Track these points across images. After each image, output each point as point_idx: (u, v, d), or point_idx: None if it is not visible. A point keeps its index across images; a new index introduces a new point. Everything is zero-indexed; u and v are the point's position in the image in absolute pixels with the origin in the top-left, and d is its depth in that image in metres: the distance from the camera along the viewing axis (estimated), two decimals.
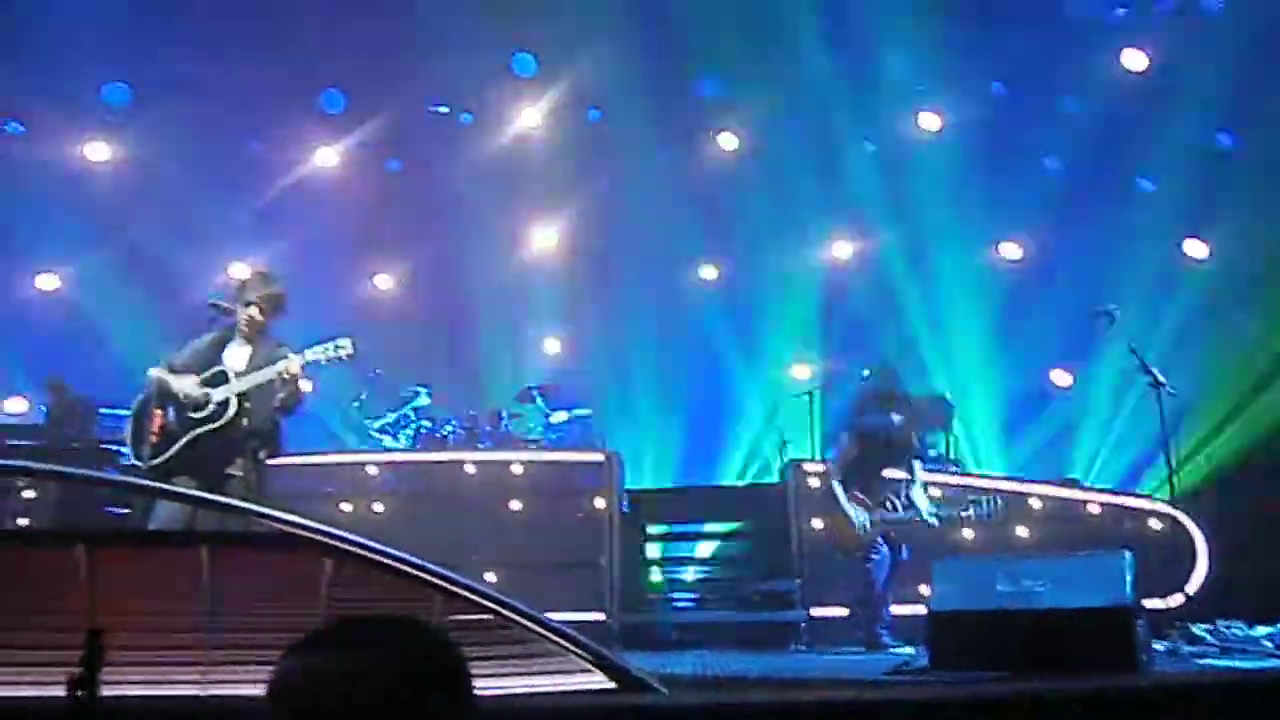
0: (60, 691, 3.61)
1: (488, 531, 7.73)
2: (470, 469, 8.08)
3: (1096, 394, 9.69)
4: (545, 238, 11.15)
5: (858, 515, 6.96)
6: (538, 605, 3.95)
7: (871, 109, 10.54)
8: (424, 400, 8.96)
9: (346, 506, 7.77)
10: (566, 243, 11.14)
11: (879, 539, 6.95)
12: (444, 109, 10.84)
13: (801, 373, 10.64)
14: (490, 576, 7.27)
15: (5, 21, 9.20)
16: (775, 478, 8.97)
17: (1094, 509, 7.91)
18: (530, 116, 10.87)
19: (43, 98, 9.81)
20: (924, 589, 6.77)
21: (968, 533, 7.87)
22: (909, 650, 6.60)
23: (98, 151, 10.26)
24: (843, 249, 11.13)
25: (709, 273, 11.24)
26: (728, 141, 10.94)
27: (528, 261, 11.09)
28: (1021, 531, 7.83)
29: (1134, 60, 9.74)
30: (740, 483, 10.10)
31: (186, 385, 5.21)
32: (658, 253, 10.82)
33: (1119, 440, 9.40)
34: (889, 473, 7.19)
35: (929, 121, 10.54)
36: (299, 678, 1.49)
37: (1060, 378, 10.40)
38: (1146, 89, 9.63)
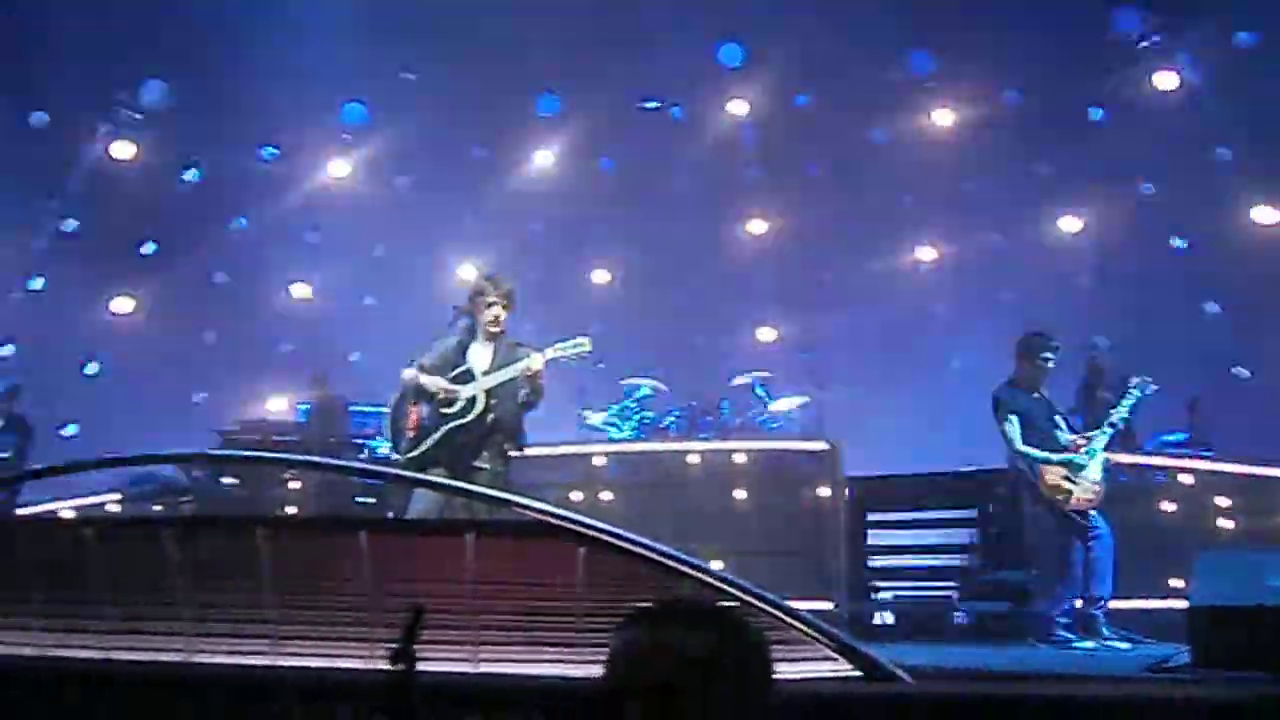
0: (346, 663, 3.96)
1: (712, 520, 7.83)
2: (693, 458, 8.20)
3: None
4: (760, 225, 11.17)
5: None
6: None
7: (1101, 72, 9.95)
8: (646, 391, 9.16)
9: (576, 495, 8.05)
10: (781, 229, 11.12)
11: (1095, 515, 6.58)
12: (654, 105, 11.03)
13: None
14: (715, 565, 7.37)
15: (258, 56, 10.03)
16: (1005, 464, 8.65)
17: None
18: (739, 105, 10.91)
19: (293, 123, 10.66)
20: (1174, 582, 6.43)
21: (1225, 522, 7.38)
22: (1089, 645, 6.28)
23: (338, 168, 11.05)
24: (1069, 223, 10.60)
25: (927, 254, 10.96)
26: (943, 117, 10.60)
27: (743, 250, 11.15)
28: None
29: None
30: (967, 468, 9.77)
31: (437, 384, 5.56)
32: (874, 234, 10.66)
33: None
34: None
35: (1165, 80, 9.85)
36: (636, 651, 1.60)
37: None
38: None
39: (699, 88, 11.00)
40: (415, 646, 2.07)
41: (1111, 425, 6.80)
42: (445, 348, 5.76)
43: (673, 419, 9.01)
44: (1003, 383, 7.00)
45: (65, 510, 7.85)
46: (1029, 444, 6.77)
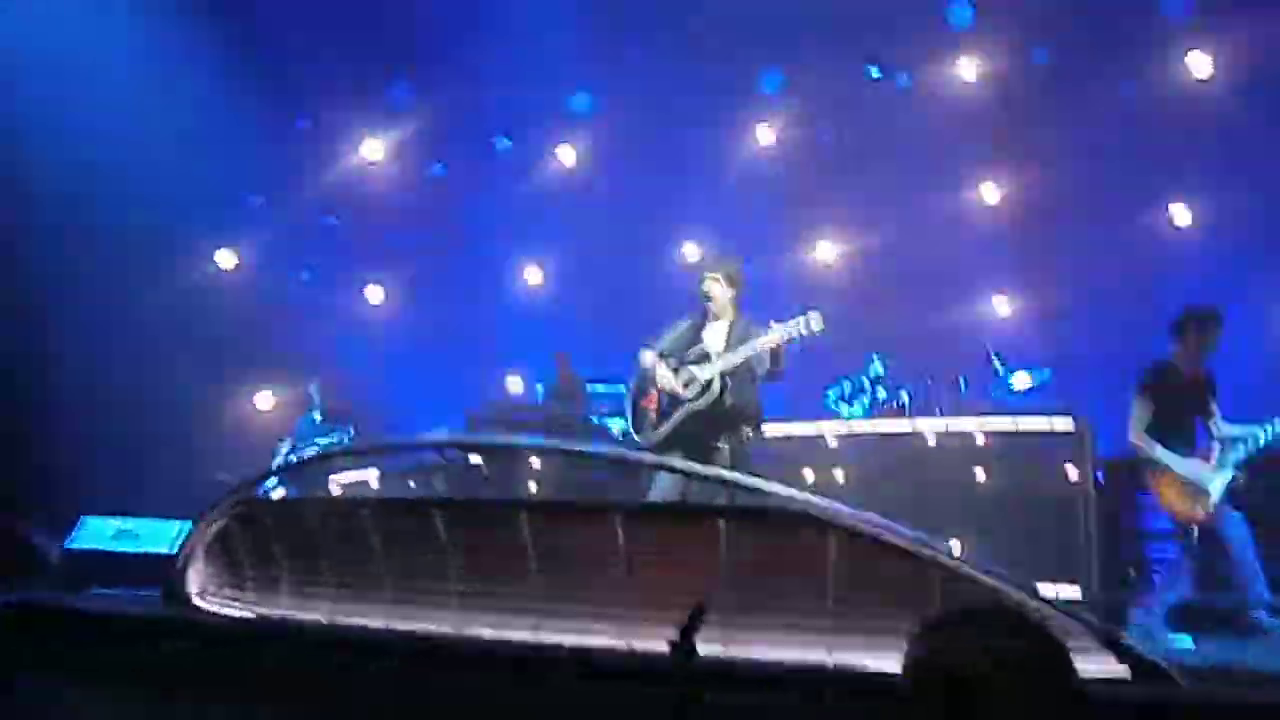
0: (603, 641, 4.12)
1: (950, 502, 7.58)
2: (929, 437, 7.98)
3: None
4: (994, 191, 10.69)
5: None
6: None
7: None
8: (878, 368, 8.99)
9: (808, 474, 8.01)
10: (1018, 194, 10.60)
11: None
12: (878, 73, 10.74)
13: None
14: (954, 547, 7.17)
15: (490, 44, 10.48)
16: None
17: None
18: (969, 68, 10.46)
19: (523, 113, 11.10)
20: None
21: None
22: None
23: (567, 155, 11.41)
24: None
25: (1181, 215, 10.15)
26: (1198, 65, 9.75)
27: (977, 218, 10.70)
28: None
29: None
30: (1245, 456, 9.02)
31: (674, 366, 5.68)
32: (1120, 197, 9.95)
33: None
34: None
35: None
36: (940, 652, 1.61)
37: None
38: None
39: (925, 53, 10.61)
40: (694, 633, 2.14)
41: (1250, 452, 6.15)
42: (680, 330, 5.87)
43: (907, 396, 8.79)
44: (1157, 359, 6.45)
45: (334, 488, 8.57)
46: (1158, 436, 6.22)
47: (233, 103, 9.76)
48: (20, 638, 4.69)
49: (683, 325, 5.92)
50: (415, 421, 10.20)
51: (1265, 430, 6.27)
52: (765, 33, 10.27)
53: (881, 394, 8.89)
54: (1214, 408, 6.47)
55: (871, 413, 8.82)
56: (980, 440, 7.80)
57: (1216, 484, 6.18)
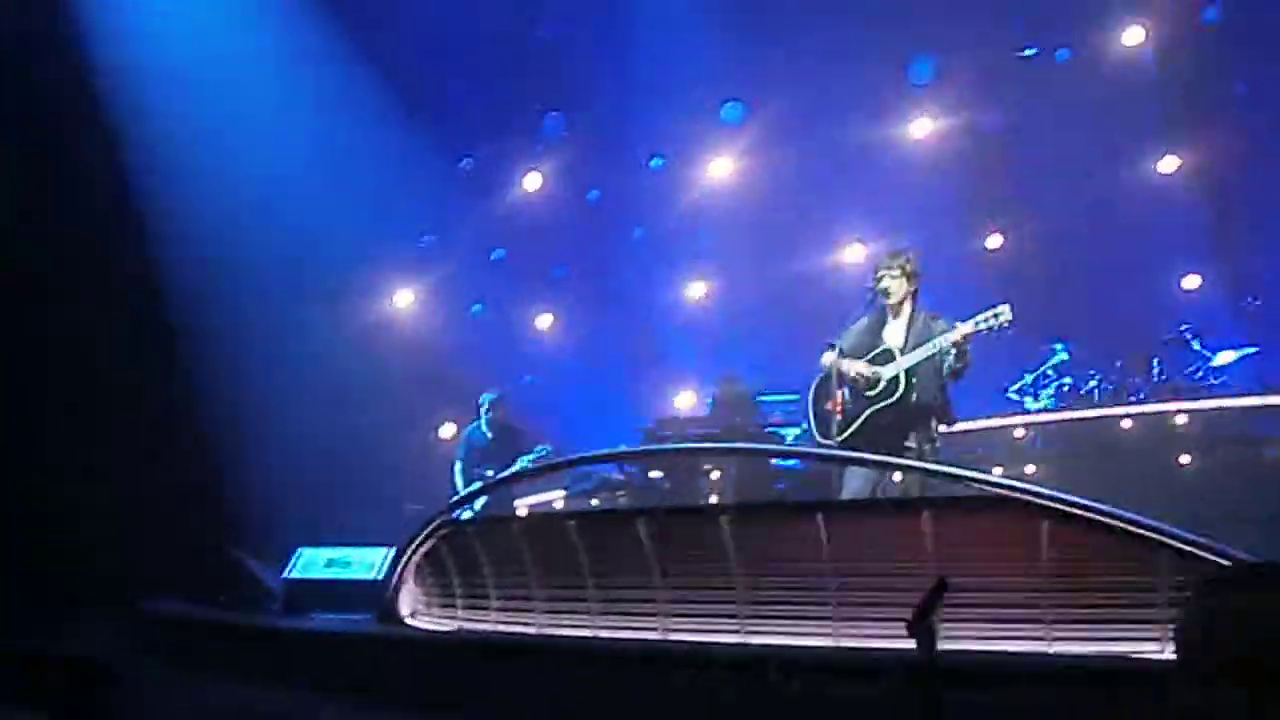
0: (809, 641, 4.10)
1: (1154, 488, 7.20)
2: (1126, 423, 7.63)
3: None
4: (1172, 163, 10.14)
5: None
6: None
7: None
8: (1062, 357, 8.65)
9: (999, 470, 7.76)
10: (1199, 164, 10.02)
11: None
12: (1033, 51, 10.36)
13: None
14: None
15: (634, 68, 10.65)
16: None
17: None
18: (1135, 34, 9.97)
19: (672, 131, 11.22)
20: None
21: None
22: None
23: (721, 169, 11.45)
24: None
25: None
26: None
27: (1157, 193, 10.17)
28: None
29: None
30: None
31: (858, 366, 5.61)
32: None
33: None
34: None
35: None
36: (1214, 621, 1.54)
37: None
38: None
39: (1084, 23, 10.18)
40: (935, 620, 2.10)
41: None
42: (860, 329, 5.78)
43: (1096, 383, 8.41)
44: None
45: (520, 510, 8.79)
46: None
47: (400, 149, 10.20)
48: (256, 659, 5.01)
49: (863, 323, 5.83)
50: (593, 443, 10.36)
51: None
52: (908, 24, 10.06)
53: (1068, 383, 8.54)
54: None
55: (1058, 403, 8.49)
56: (1183, 421, 7.41)
57: None
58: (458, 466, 8.80)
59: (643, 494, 9.00)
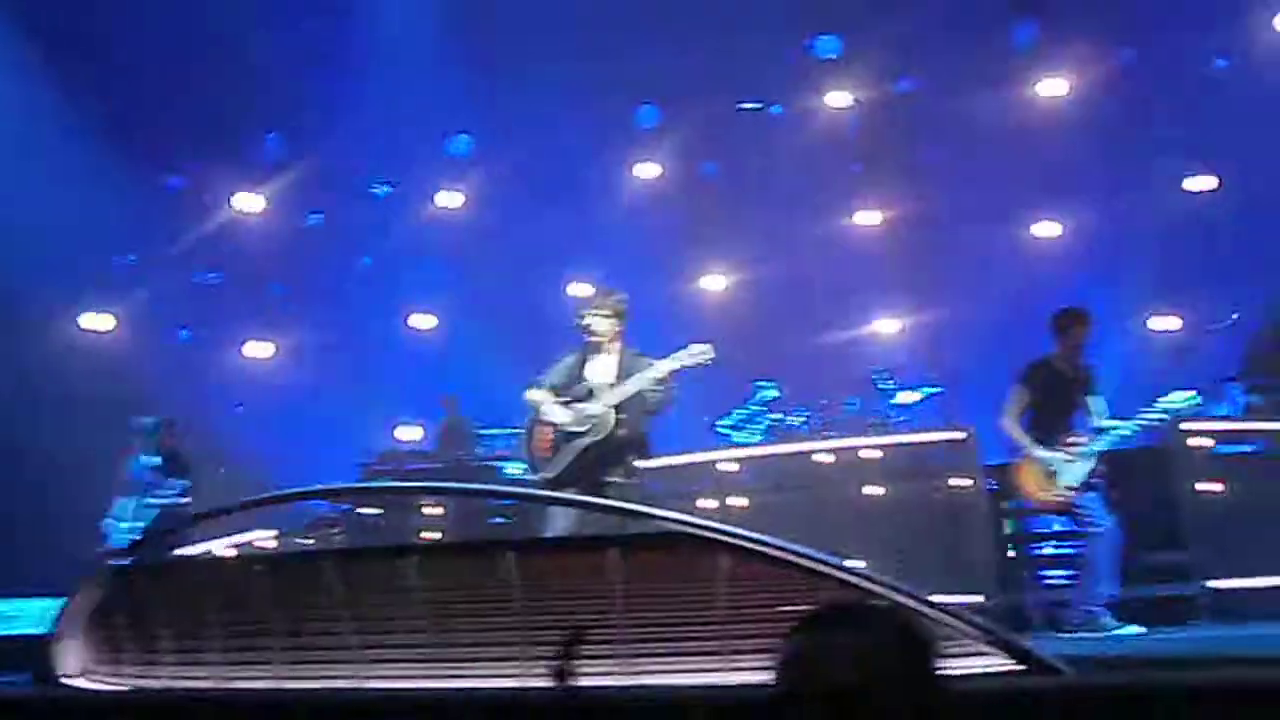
0: (503, 683, 4.05)
1: (848, 519, 7.71)
2: (824, 458, 8.11)
3: None
4: (872, 216, 11.02)
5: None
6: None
7: (1221, 22, 9.51)
8: (771, 394, 9.13)
9: (706, 504, 8.05)
10: (894, 218, 10.96)
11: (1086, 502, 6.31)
12: (753, 105, 11.01)
13: (1163, 323, 9.81)
14: (856, 564, 7.28)
15: (363, 93, 10.42)
16: (1141, 440, 8.32)
17: None
18: (839, 98, 10.80)
19: (402, 158, 11.03)
20: None
21: None
22: (1136, 630, 6.01)
23: (450, 199, 11.36)
24: (1197, 183, 10.14)
25: (1048, 228, 10.63)
26: (1052, 88, 10.28)
27: (857, 243, 11.02)
28: None
29: None
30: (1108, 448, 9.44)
31: (563, 402, 5.66)
32: (990, 214, 10.41)
33: None
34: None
35: None
36: (808, 654, 1.61)
37: None
38: None
39: (797, 84, 10.95)
40: (574, 665, 2.11)
41: (1112, 444, 6.53)
42: (566, 365, 5.85)
43: (801, 419, 8.94)
44: (1038, 356, 6.80)
45: (222, 549, 8.24)
46: (1032, 427, 6.54)
47: (100, 164, 9.46)
48: None
49: (568, 360, 5.91)
50: (306, 478, 9.93)
51: (1129, 424, 6.61)
52: (636, 70, 10.45)
53: (774, 419, 9.02)
54: (1091, 401, 6.76)
55: (765, 438, 8.94)
56: (874, 456, 7.97)
57: (1073, 470, 6.46)
58: (124, 502, 8.13)
59: (358, 532, 8.70)
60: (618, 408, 5.57)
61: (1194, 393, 6.79)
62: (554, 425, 5.66)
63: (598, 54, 10.30)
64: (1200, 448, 7.41)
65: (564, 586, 3.96)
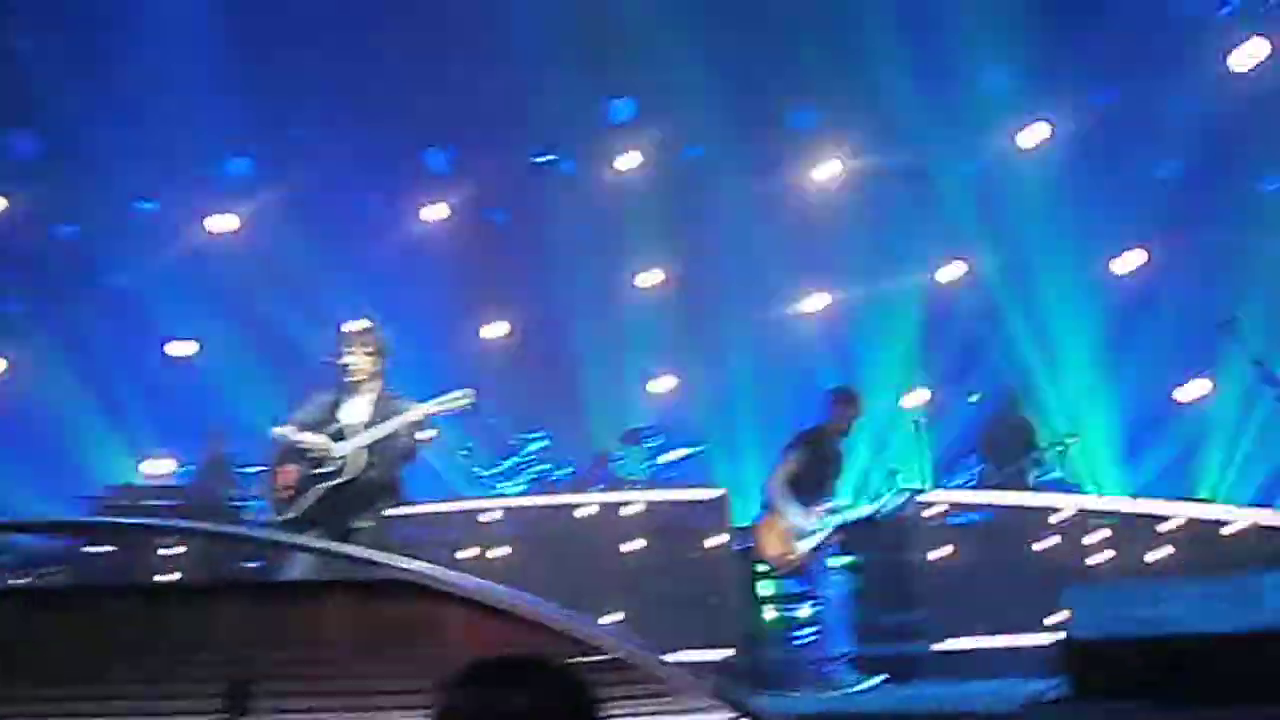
0: None
1: (604, 574, 7.78)
2: (584, 512, 8.15)
3: (1223, 409, 9.30)
4: (649, 278, 11.28)
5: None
6: (657, 646, 3.98)
7: (970, 127, 10.42)
8: (538, 445, 9.12)
9: (464, 554, 7.91)
10: (671, 282, 11.26)
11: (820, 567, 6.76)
12: (545, 158, 11.11)
13: (911, 400, 10.49)
14: (609, 619, 7.32)
15: (132, 108, 9.83)
16: (885, 508, 8.83)
17: (1229, 528, 7.55)
18: (629, 160, 11.06)
19: (171, 175, 10.43)
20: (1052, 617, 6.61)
21: (1097, 558, 7.64)
22: (874, 681, 6.49)
23: (223, 223, 10.81)
24: (948, 272, 10.97)
25: (813, 303, 11.20)
26: (825, 171, 10.93)
27: (634, 303, 11.23)
28: (1154, 555, 7.54)
29: (1245, 59, 9.40)
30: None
31: (310, 441, 5.43)
32: (761, 286, 10.87)
33: (1249, 457, 8.98)
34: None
35: (1031, 136, 10.33)
36: (454, 710, 1.58)
37: (1184, 393, 10.01)
38: (1259, 87, 9.29)
39: (589, 142, 11.14)
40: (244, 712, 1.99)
41: (855, 516, 7.05)
42: (320, 402, 5.64)
43: (565, 472, 8.97)
44: (810, 425, 7.18)
45: None
46: (792, 491, 6.89)
47: None
48: None
49: (323, 398, 5.69)
50: (30, 508, 9.10)
51: (872, 503, 7.03)
52: (432, 112, 10.37)
53: (540, 470, 9.01)
54: (838, 480, 7.14)
55: (530, 489, 8.91)
56: (633, 512, 8.08)
57: (809, 540, 6.77)
58: None
59: (84, 571, 8.00)
60: (369, 450, 5.39)
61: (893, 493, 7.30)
62: (297, 465, 5.41)
63: (390, 89, 10.16)
64: (934, 516, 7.92)
65: (280, 632, 3.76)
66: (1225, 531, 7.56)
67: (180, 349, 10.95)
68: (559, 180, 11.16)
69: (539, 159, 11.13)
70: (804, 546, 6.89)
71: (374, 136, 10.47)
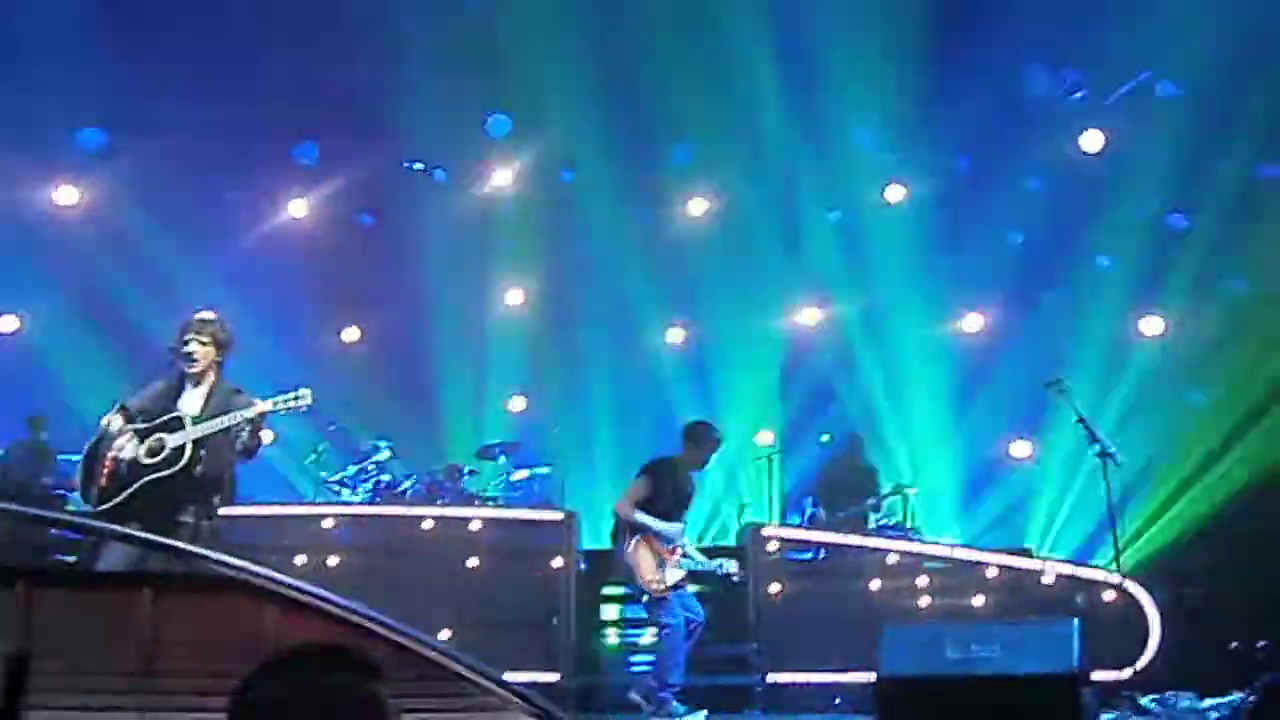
0: None
1: (443, 588, 7.68)
2: (428, 524, 8.02)
3: (1051, 466, 9.82)
4: (513, 296, 11.23)
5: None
6: (491, 664, 3.93)
7: (837, 179, 10.79)
8: (384, 454, 8.95)
9: (301, 559, 7.69)
10: (534, 301, 11.24)
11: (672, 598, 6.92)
12: (419, 166, 10.97)
13: (762, 438, 10.72)
14: (444, 634, 7.20)
15: None
16: (733, 541, 9.00)
17: (1047, 579, 7.97)
18: (503, 176, 11.02)
19: (13, 142, 9.83)
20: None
21: (922, 601, 7.93)
22: (702, 715, 6.66)
23: (67, 195, 10.25)
24: (806, 315, 11.29)
25: (674, 335, 11.34)
26: (696, 207, 11.12)
27: (495, 320, 11.16)
28: (976, 600, 7.89)
29: (1091, 142, 10.05)
30: (699, 545, 10.08)
31: (142, 430, 5.19)
32: (624, 314, 10.94)
33: (1073, 512, 9.51)
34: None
35: (894, 193, 10.77)
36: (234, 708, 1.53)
37: (1017, 449, 10.54)
38: (1103, 169, 9.93)
39: (464, 154, 11.04)
40: (18, 701, 1.88)
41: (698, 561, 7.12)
42: (155, 391, 5.38)
43: (411, 483, 8.81)
44: (666, 455, 7.24)
45: None
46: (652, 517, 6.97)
47: None
48: None
49: (159, 386, 5.43)
50: None
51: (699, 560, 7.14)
52: (304, 103, 10.10)
53: (384, 480, 8.83)
54: (686, 512, 7.19)
55: (373, 498, 8.72)
56: (476, 528, 7.99)
57: (674, 572, 6.86)
58: None
59: None
60: (200, 443, 5.17)
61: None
62: (119, 453, 5.15)
63: (264, 74, 9.83)
64: (771, 552, 8.09)
65: (83, 624, 3.57)
66: (1044, 581, 7.99)
67: (6, 323, 10.32)
68: (431, 189, 11.02)
69: (413, 166, 10.97)
70: (668, 578, 6.86)
71: (241, 121, 10.09)
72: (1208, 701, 5.99)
